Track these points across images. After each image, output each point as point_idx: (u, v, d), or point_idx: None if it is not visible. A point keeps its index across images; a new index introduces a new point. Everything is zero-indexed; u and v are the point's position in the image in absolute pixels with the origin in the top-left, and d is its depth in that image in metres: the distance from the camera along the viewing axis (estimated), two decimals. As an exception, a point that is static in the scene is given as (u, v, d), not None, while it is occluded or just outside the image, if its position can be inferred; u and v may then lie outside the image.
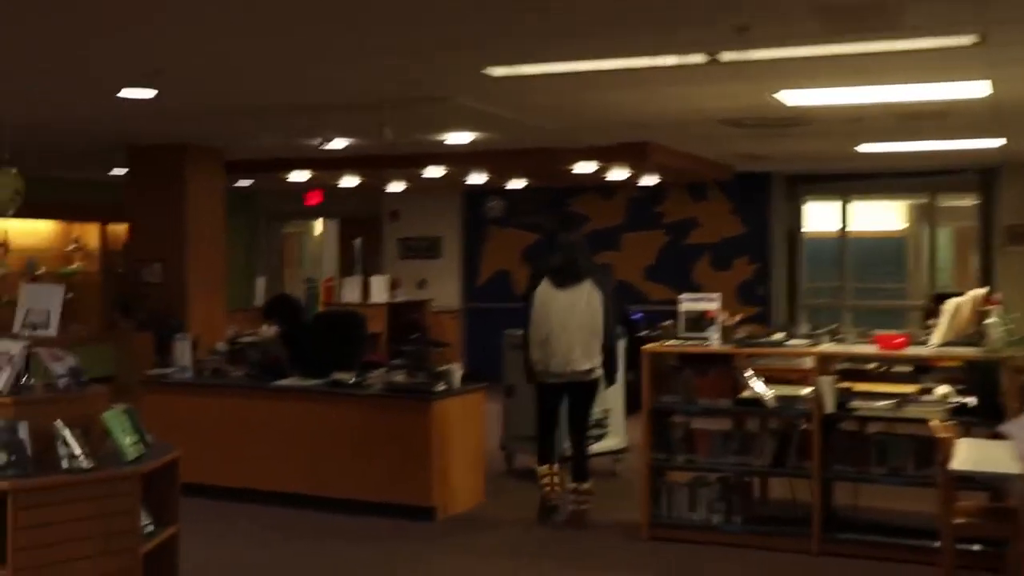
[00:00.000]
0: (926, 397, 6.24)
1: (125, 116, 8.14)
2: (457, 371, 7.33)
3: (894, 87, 6.74)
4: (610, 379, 7.19)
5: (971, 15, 4.92)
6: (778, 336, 6.70)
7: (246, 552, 6.53)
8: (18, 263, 13.44)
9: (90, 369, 11.72)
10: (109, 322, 10.97)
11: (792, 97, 7.16)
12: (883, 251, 18.59)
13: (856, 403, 6.18)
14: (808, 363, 7.85)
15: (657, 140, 9.92)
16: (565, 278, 6.93)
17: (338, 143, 9.58)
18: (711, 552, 6.38)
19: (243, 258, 16.40)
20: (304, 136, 9.23)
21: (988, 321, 6.00)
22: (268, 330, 9.24)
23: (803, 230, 13.95)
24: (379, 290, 13.09)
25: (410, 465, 7.06)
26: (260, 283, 12.56)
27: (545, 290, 6.94)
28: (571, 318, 6.87)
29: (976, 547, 5.66)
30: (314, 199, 15.64)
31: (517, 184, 13.81)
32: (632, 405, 8.78)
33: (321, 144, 9.07)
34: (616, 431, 8.53)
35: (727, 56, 5.71)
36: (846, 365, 6.94)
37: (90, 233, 14.33)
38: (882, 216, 17.85)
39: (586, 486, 7.04)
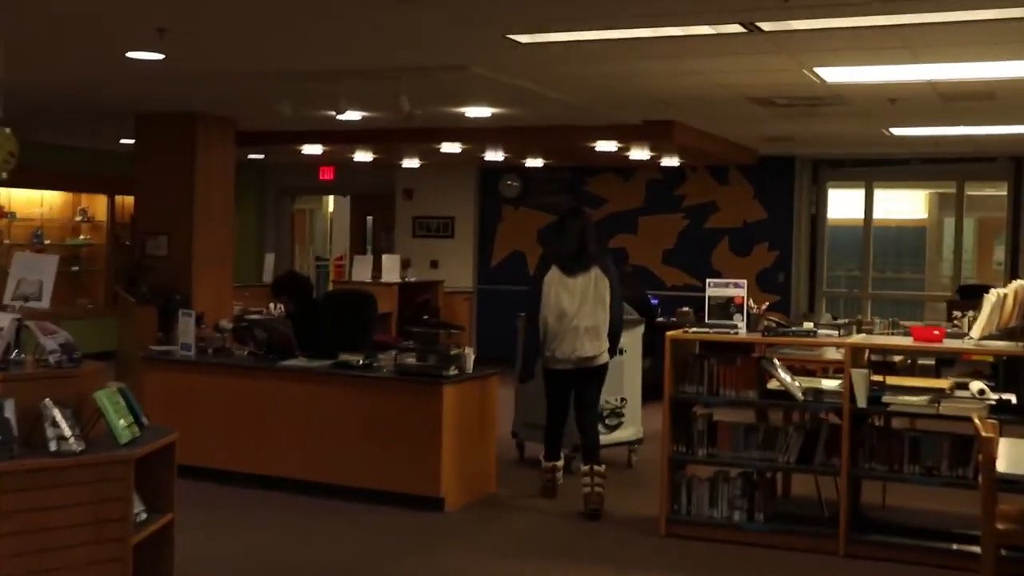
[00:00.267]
0: (961, 392, 5.93)
1: (133, 80, 7.86)
2: (470, 355, 7.03)
3: (942, 65, 6.40)
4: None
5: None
6: (808, 325, 6.38)
7: (245, 541, 6.25)
8: (24, 234, 13.23)
9: (94, 343, 11.52)
10: (113, 296, 10.70)
11: (831, 73, 6.83)
12: (901, 240, 18.22)
13: (889, 398, 5.86)
14: (832, 354, 7.61)
15: (682, 119, 9.60)
16: (575, 265, 6.86)
17: (352, 115, 9.27)
18: (732, 551, 6.08)
19: (253, 233, 16.15)
20: (317, 107, 8.92)
21: (1033, 315, 5.68)
22: (276, 308, 8.99)
23: (827, 216, 13.61)
24: (391, 269, 12.84)
25: (419, 453, 6.77)
26: (269, 259, 12.30)
27: (554, 276, 6.87)
28: (580, 305, 6.82)
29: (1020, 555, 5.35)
30: (326, 174, 15.37)
31: (534, 163, 13.50)
32: (648, 394, 8.51)
33: (336, 115, 8.75)
34: (632, 421, 8.24)
35: (767, 26, 5.38)
36: (872, 358, 6.65)
37: (98, 204, 14.13)
38: (900, 204, 17.46)
39: (600, 468, 6.87)
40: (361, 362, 7.17)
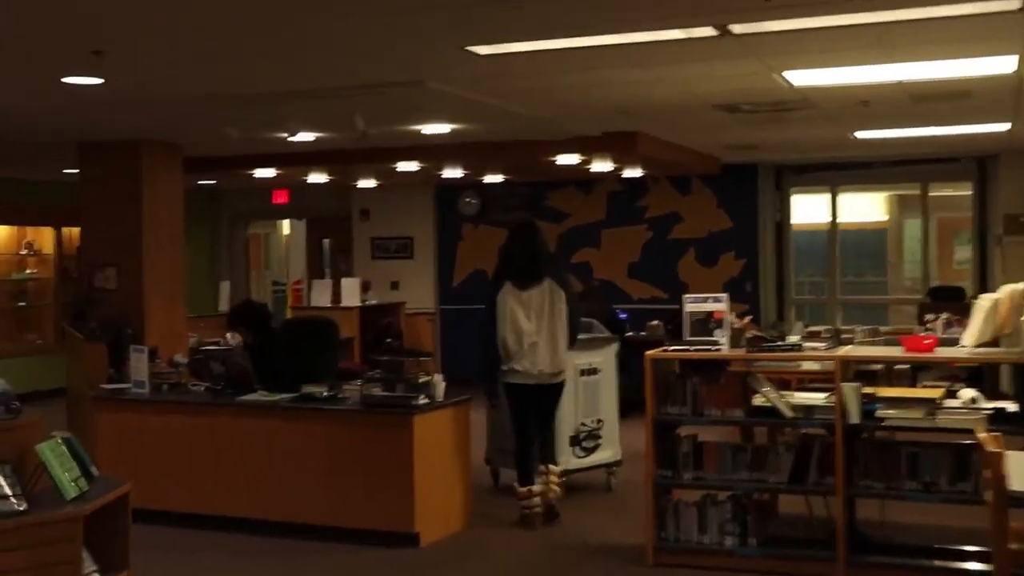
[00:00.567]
0: (951, 402, 5.69)
1: (72, 107, 7.47)
2: (439, 383, 6.70)
3: (915, 64, 6.18)
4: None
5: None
6: (793, 338, 6.11)
7: (210, 589, 5.88)
8: (-33, 270, 12.74)
9: (44, 381, 11.06)
10: (61, 331, 10.25)
11: (799, 76, 6.59)
12: (860, 243, 18.13)
13: (883, 412, 5.59)
14: (809, 365, 7.36)
15: (644, 130, 9.34)
16: (527, 279, 6.82)
17: (305, 136, 8.92)
18: (725, 578, 5.79)
19: (206, 261, 15.72)
20: (268, 129, 8.56)
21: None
22: (233, 338, 8.61)
23: (791, 222, 13.43)
24: (350, 293, 12.49)
25: (391, 487, 6.42)
26: (224, 287, 11.89)
27: (508, 292, 6.83)
28: (536, 320, 6.79)
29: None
30: (280, 198, 14.98)
31: (493, 179, 13.21)
32: (622, 411, 8.22)
33: (288, 137, 8.42)
34: (610, 442, 7.94)
35: (738, 28, 5.13)
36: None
37: (44, 237, 13.64)
38: (858, 207, 17.37)
39: (555, 468, 6.94)
40: (325, 394, 6.82)
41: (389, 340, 12.52)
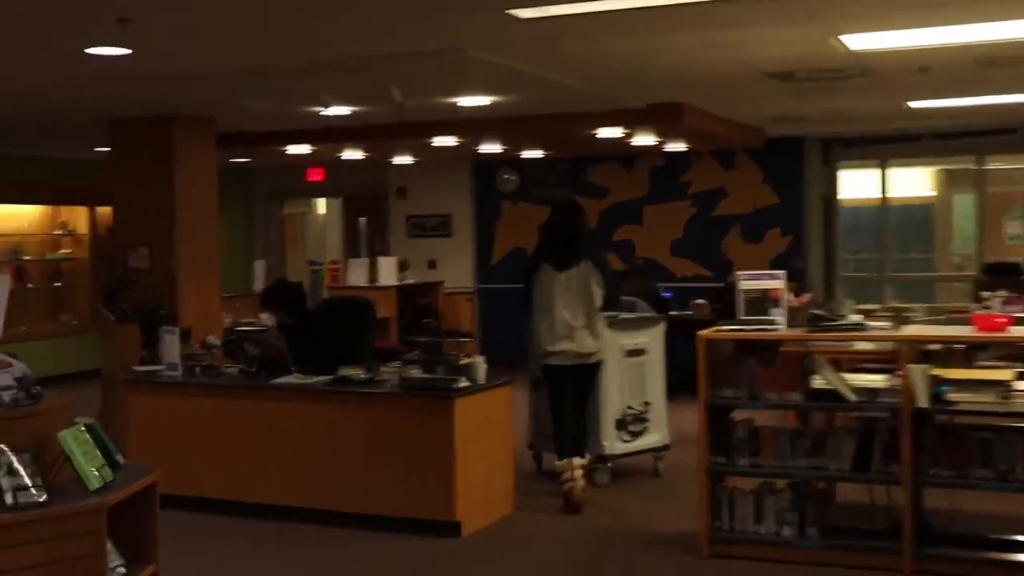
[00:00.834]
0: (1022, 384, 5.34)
1: (101, 82, 7.24)
2: (481, 364, 6.42)
3: (986, 25, 5.79)
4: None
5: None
6: (855, 317, 5.77)
7: (243, 579, 5.66)
8: (1, 250, 12.61)
9: (79, 361, 10.91)
10: (94, 312, 10.08)
11: (858, 40, 6.22)
12: (906, 219, 17.65)
13: (954, 395, 5.25)
14: (863, 343, 7.00)
15: (689, 101, 9.00)
16: (564, 259, 6.73)
17: (339, 110, 8.65)
18: (783, 571, 5.48)
19: (241, 240, 15.53)
20: (301, 103, 8.30)
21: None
22: (269, 318, 8.39)
23: (839, 198, 13.02)
24: (387, 272, 12.25)
25: (431, 473, 6.16)
26: (259, 267, 11.67)
27: (545, 271, 6.77)
28: (572, 301, 6.70)
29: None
30: (315, 176, 14.75)
31: (532, 154, 12.90)
32: (669, 392, 7.92)
33: (322, 110, 8.15)
34: (657, 426, 7.64)
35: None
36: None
37: (79, 216, 13.51)
38: (904, 182, 16.90)
39: (580, 461, 6.75)
40: (363, 376, 6.56)
41: (427, 320, 12.28)
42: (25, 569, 3.60)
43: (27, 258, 12.83)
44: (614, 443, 7.37)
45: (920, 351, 6.91)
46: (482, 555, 5.94)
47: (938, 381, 5.35)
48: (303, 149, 11.51)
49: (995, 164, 13.18)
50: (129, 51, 6.12)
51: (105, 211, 13.25)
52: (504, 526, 6.46)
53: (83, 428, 4.04)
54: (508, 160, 13.53)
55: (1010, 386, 5.24)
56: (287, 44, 6.16)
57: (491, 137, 10.93)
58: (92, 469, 3.91)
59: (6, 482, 3.70)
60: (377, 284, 12.10)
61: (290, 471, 6.55)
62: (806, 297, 5.97)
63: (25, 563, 3.63)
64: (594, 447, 7.29)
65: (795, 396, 5.60)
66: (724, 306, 11.10)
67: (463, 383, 6.25)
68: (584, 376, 6.87)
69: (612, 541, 6.16)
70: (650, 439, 7.59)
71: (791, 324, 5.72)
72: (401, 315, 11.92)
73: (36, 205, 13.04)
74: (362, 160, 12.92)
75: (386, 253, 13.66)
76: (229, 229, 14.72)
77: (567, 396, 6.87)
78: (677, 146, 11.90)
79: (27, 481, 3.75)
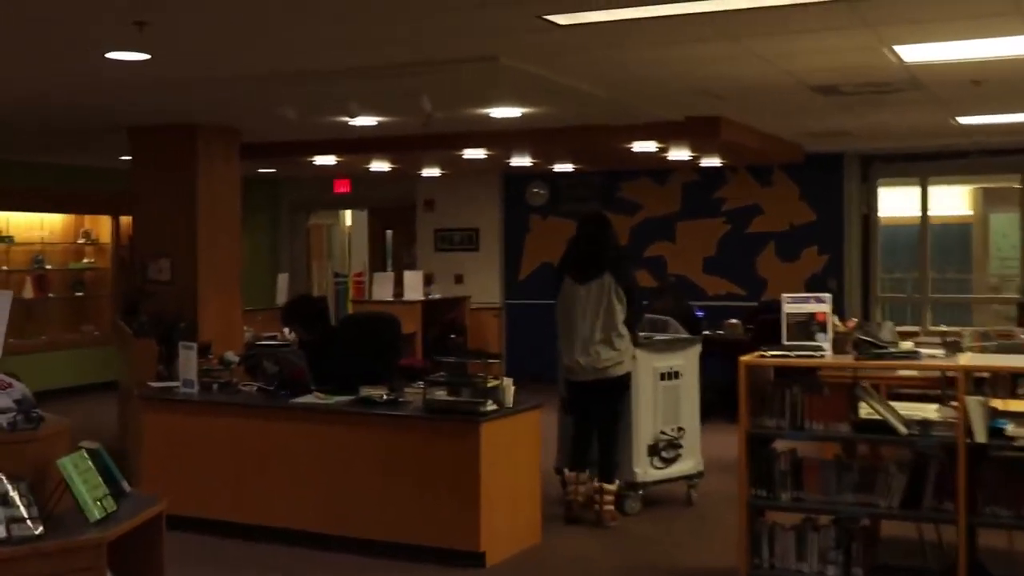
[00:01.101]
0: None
1: (122, 89, 7.03)
2: (509, 387, 6.13)
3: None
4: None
5: None
6: (906, 344, 5.45)
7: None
8: (24, 259, 12.45)
9: (100, 374, 10.66)
10: (115, 324, 9.86)
11: (912, 52, 5.91)
12: (941, 239, 17.26)
13: (1014, 430, 4.92)
14: (904, 372, 6.66)
15: (727, 115, 8.70)
16: (585, 273, 6.69)
17: (367, 120, 8.41)
18: (827, 612, 5.16)
19: (266, 252, 15.34)
20: (327, 112, 8.06)
21: None
22: (291, 333, 8.15)
23: (878, 215, 12.64)
24: (413, 286, 12.01)
25: (455, 501, 5.88)
26: (283, 279, 11.43)
27: (567, 286, 6.76)
28: (592, 315, 6.63)
29: None
30: (342, 187, 14.54)
31: (563, 168, 12.62)
32: (701, 415, 7.60)
33: (349, 120, 7.92)
34: (691, 452, 7.32)
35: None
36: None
37: (102, 226, 13.34)
38: (940, 201, 16.52)
39: (610, 487, 6.73)
40: (385, 397, 6.29)
41: (453, 336, 12.03)
42: (20, 608, 3.35)
43: (49, 267, 12.66)
44: (646, 470, 7.06)
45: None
46: (507, 589, 5.66)
47: (996, 414, 5.02)
48: (329, 160, 11.29)
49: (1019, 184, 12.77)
50: (148, 56, 5.89)
51: (129, 221, 13.08)
52: (531, 557, 6.16)
53: (86, 454, 3.78)
54: (538, 174, 13.26)
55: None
56: (313, 50, 5.92)
57: (522, 150, 10.67)
58: (94, 499, 3.65)
59: (1, 513, 3.45)
60: (403, 299, 11.86)
61: (308, 495, 6.28)
62: (852, 322, 5.64)
63: (20, 601, 3.38)
64: (625, 474, 7.00)
65: (842, 427, 5.27)
66: (759, 326, 10.82)
67: (490, 406, 5.96)
68: (606, 392, 6.74)
69: (644, 574, 5.85)
70: (683, 466, 7.27)
71: (837, 350, 5.42)
72: (426, 331, 11.65)
73: (59, 214, 12.87)
74: (389, 172, 12.69)
75: (412, 267, 13.43)
76: (253, 240, 14.55)
77: (588, 413, 6.81)
78: (712, 161, 11.60)
79: (23, 512, 3.51)
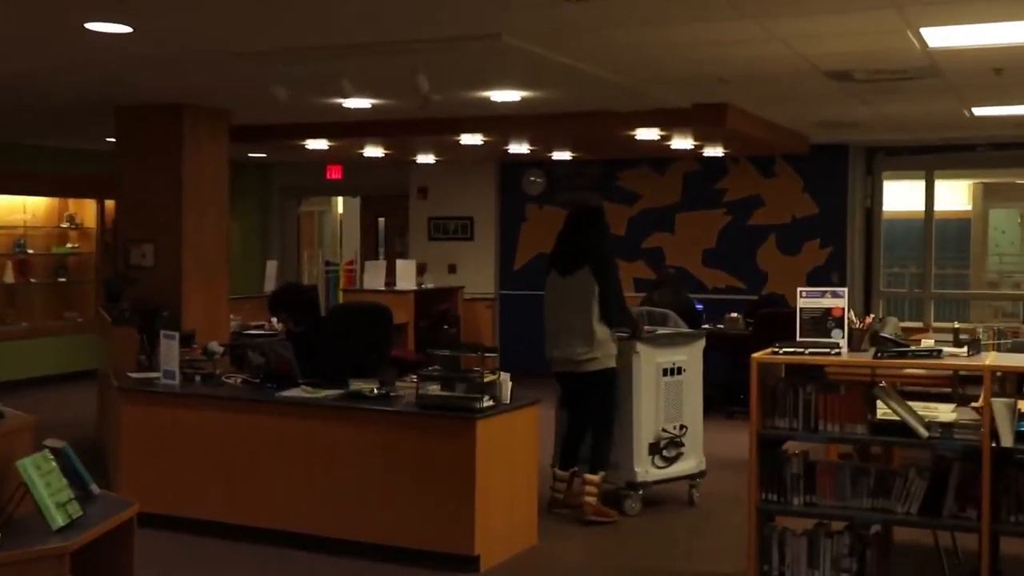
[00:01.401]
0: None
1: (105, 65, 6.71)
2: (506, 382, 5.84)
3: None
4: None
5: None
6: (927, 342, 5.17)
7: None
8: (5, 243, 12.11)
9: (83, 361, 10.32)
10: (97, 312, 9.55)
11: (938, 35, 5.62)
12: (939, 234, 17.03)
13: (1042, 434, 4.64)
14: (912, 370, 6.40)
15: (735, 102, 8.40)
16: (565, 265, 6.63)
17: (361, 102, 8.09)
18: (841, 624, 4.89)
19: (256, 238, 15.01)
20: (320, 92, 7.74)
21: None
22: (278, 323, 7.85)
23: (882, 209, 12.36)
24: (405, 275, 11.70)
25: (448, 502, 5.59)
26: (271, 267, 11.12)
27: (551, 277, 6.72)
28: (569, 306, 6.54)
29: None
30: (334, 173, 14.22)
31: (561, 156, 12.31)
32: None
33: (342, 101, 7.61)
34: (693, 450, 7.03)
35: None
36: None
37: (86, 209, 13.00)
38: (938, 195, 16.27)
39: (592, 478, 6.52)
40: (376, 391, 6.00)
41: (446, 327, 11.74)
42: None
43: (31, 252, 12.33)
44: (647, 469, 6.78)
45: (966, 377, 6.34)
46: (503, 595, 5.38)
47: (1021, 416, 4.74)
48: (321, 144, 10.97)
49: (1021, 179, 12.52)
50: (130, 29, 5.57)
51: (114, 205, 12.75)
52: (527, 560, 5.88)
53: (49, 454, 3.48)
54: (535, 161, 12.95)
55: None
56: (306, 26, 5.60)
57: (521, 136, 10.36)
58: (56, 504, 3.35)
59: (-47, 518, 3.15)
60: (395, 288, 11.55)
61: (294, 494, 5.98)
62: (869, 318, 5.35)
63: (-28, 615, 3.09)
64: (625, 473, 6.74)
65: (860, 429, 4.99)
66: (760, 320, 10.54)
67: (486, 402, 5.66)
68: (585, 386, 6.58)
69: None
70: (685, 465, 6.99)
71: (853, 347, 5.14)
72: (418, 322, 11.35)
73: (42, 197, 12.52)
74: (383, 158, 12.37)
75: (405, 256, 13.13)
76: (242, 226, 14.24)
77: (573, 406, 6.72)
78: (714, 151, 11.30)
79: (-21, 517, 3.20)
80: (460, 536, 5.56)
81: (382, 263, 12.41)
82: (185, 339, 7.11)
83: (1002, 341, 6.76)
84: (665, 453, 6.87)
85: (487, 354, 5.80)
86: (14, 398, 6.57)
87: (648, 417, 6.78)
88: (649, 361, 6.79)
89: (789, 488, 5.12)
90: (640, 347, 6.75)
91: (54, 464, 3.45)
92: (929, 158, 11.90)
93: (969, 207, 17.23)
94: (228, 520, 6.11)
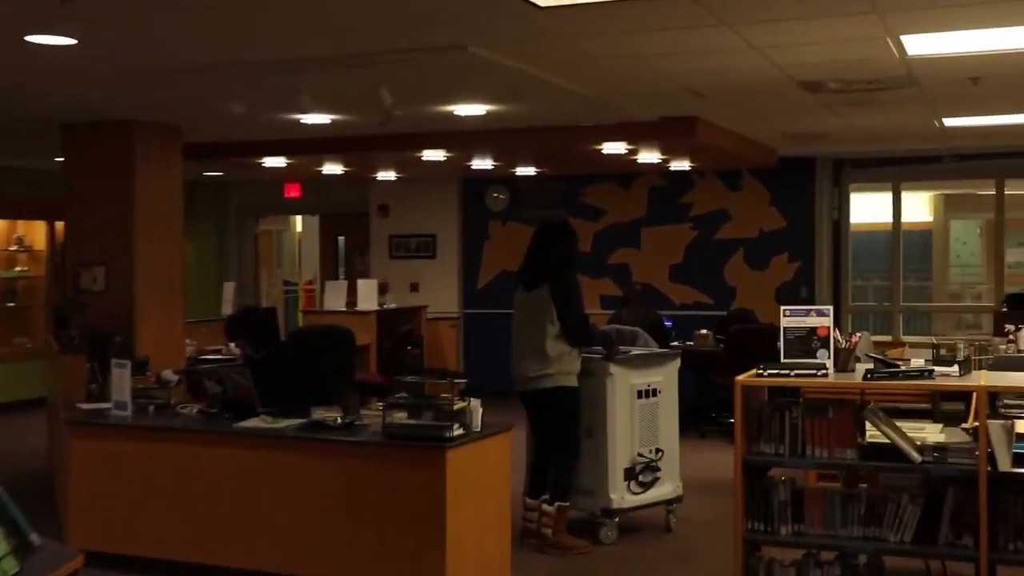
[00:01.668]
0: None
1: (51, 79, 6.39)
2: (477, 409, 5.56)
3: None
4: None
5: None
6: (917, 362, 4.97)
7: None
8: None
9: (33, 389, 9.89)
10: (46, 338, 9.17)
11: (919, 43, 5.45)
12: (903, 246, 16.98)
13: (1039, 456, 4.45)
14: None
15: (705, 115, 8.21)
16: (526, 281, 6.47)
17: (320, 118, 7.82)
18: (834, 660, 4.66)
19: (213, 260, 14.64)
20: (277, 108, 7.46)
21: None
22: (236, 348, 7.53)
23: (849, 223, 12.24)
24: (367, 295, 11.40)
25: (417, 537, 5.28)
26: (228, 288, 10.77)
27: (517, 294, 6.56)
28: (527, 323, 6.39)
29: None
30: (292, 192, 13.91)
31: (525, 171, 12.08)
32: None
33: (301, 116, 7.35)
34: (670, 475, 6.79)
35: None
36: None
37: (36, 231, 12.58)
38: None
39: (549, 509, 6.28)
40: (339, 420, 5.70)
41: (410, 347, 11.45)
42: None
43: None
44: (623, 495, 6.52)
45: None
46: (477, 634, 5.10)
47: (1021, 438, 4.55)
48: (279, 162, 10.67)
49: (983, 191, 12.44)
50: (74, 41, 5.27)
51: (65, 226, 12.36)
52: (501, 596, 5.60)
53: (-17, 503, 3.16)
54: (499, 178, 12.72)
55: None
56: (261, 37, 5.33)
57: (485, 151, 10.11)
58: (-9, 558, 3.04)
59: None
60: (356, 308, 11.25)
61: (254, 530, 5.66)
62: (856, 337, 5.15)
63: None
64: (600, 500, 6.48)
65: (849, 453, 4.78)
66: (731, 337, 10.35)
67: (456, 431, 5.38)
68: (538, 405, 6.40)
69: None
70: (662, 490, 6.74)
71: (840, 368, 4.93)
72: (381, 343, 11.05)
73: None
74: (342, 175, 12.08)
75: (366, 275, 12.83)
76: (198, 247, 13.87)
77: (536, 428, 6.55)
78: (681, 164, 11.12)
79: (-98, 576, 2.88)
80: (429, 572, 5.27)
81: (343, 283, 12.11)
82: (138, 367, 6.79)
83: (983, 357, 6.62)
84: (641, 478, 6.62)
85: (456, 380, 5.52)
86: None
87: (623, 441, 6.53)
88: (623, 383, 6.55)
89: (776, 516, 4.90)
90: (614, 368, 6.51)
91: (-12, 515, 3.14)
92: (896, 170, 11.80)
93: (930, 218, 17.20)
94: (184, 559, 5.78)
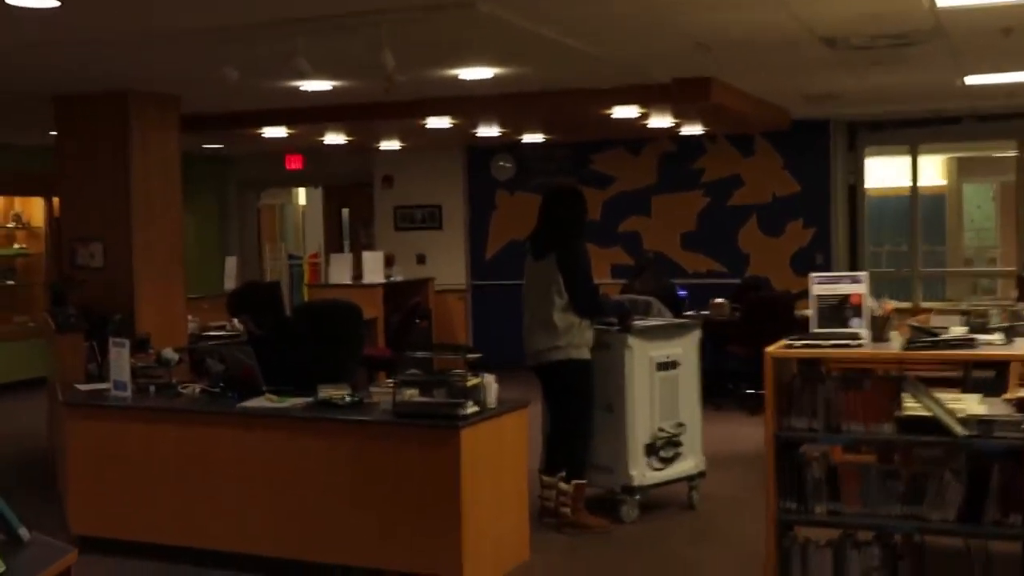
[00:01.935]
0: None
1: (39, 47, 6.09)
2: (492, 385, 5.31)
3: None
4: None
5: None
6: (957, 330, 4.70)
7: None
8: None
9: (34, 368, 9.66)
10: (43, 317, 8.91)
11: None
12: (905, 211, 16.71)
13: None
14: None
15: (719, 75, 7.90)
16: (538, 248, 6.23)
17: (320, 84, 7.52)
18: (873, 645, 4.43)
19: (215, 234, 14.38)
20: (276, 74, 7.15)
21: None
22: (239, 325, 7.28)
23: (865, 186, 11.93)
24: (373, 268, 11.14)
25: (431, 519, 5.06)
26: (231, 263, 10.52)
27: (527, 263, 6.33)
28: (534, 294, 6.17)
29: None
30: (294, 164, 13.62)
31: (532, 139, 11.78)
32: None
33: (300, 81, 7.06)
34: (692, 450, 6.55)
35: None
36: None
37: (34, 208, 12.34)
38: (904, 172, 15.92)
39: (565, 487, 6.03)
40: (348, 399, 5.45)
41: (418, 320, 11.21)
42: None
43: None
44: (643, 472, 6.28)
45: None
46: (496, 621, 4.87)
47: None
48: (279, 132, 10.39)
49: (998, 152, 12.13)
50: (56, 3, 4.97)
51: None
52: (519, 579, 5.38)
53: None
54: (505, 145, 12.42)
55: None
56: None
57: (491, 118, 9.82)
58: (-26, 558, 2.80)
59: None
60: (362, 282, 10.99)
61: (259, 514, 5.43)
62: (890, 305, 4.88)
63: None
64: (620, 477, 6.24)
65: (887, 428, 4.51)
66: (748, 306, 10.09)
67: (470, 408, 5.13)
68: (549, 378, 6.18)
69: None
70: (684, 466, 6.49)
71: (876, 337, 4.67)
72: (388, 316, 10.80)
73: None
74: (345, 145, 11.79)
75: (371, 247, 12.56)
76: (199, 222, 13.61)
77: (550, 402, 6.30)
78: (692, 129, 10.81)
79: None
80: (445, 556, 5.04)
81: (348, 256, 11.85)
82: (139, 345, 6.56)
83: (1018, 323, 6.33)
84: (662, 454, 6.38)
85: (470, 355, 5.27)
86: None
87: (643, 416, 6.28)
88: (642, 355, 6.30)
89: (810, 495, 4.64)
90: (632, 340, 6.25)
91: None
92: (914, 131, 11.49)
93: (943, 182, 16.88)
94: (187, 544, 5.57)
